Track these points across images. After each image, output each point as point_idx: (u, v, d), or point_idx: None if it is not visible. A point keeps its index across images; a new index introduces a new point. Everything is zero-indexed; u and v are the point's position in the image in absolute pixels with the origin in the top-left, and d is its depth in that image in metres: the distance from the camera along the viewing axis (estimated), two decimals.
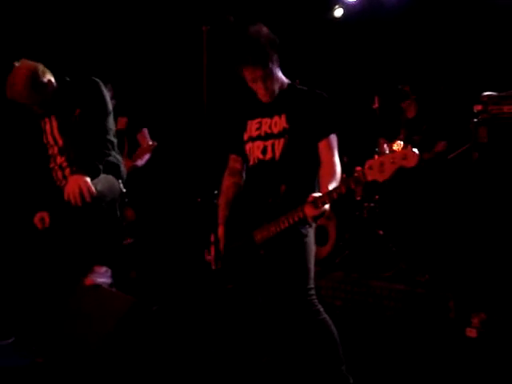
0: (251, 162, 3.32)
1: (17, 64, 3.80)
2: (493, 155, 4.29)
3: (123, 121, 5.61)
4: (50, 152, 3.97)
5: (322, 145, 3.16)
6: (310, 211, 2.87)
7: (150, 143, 5.48)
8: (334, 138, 3.18)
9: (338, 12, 6.93)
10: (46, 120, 3.96)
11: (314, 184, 3.23)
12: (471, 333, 4.12)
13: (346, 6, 6.87)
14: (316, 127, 3.16)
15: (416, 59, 6.52)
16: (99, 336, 3.44)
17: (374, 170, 2.74)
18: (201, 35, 3.05)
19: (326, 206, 2.89)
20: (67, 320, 3.71)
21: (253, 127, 3.30)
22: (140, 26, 6.39)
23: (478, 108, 4.39)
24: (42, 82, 3.80)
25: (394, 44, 6.67)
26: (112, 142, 3.89)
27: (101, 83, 3.92)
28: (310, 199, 2.86)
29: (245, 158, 3.39)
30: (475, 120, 4.37)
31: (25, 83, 3.72)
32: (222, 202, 3.39)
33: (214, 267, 3.34)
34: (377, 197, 5.65)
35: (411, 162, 2.66)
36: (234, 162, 3.45)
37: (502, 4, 5.81)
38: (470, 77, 6.00)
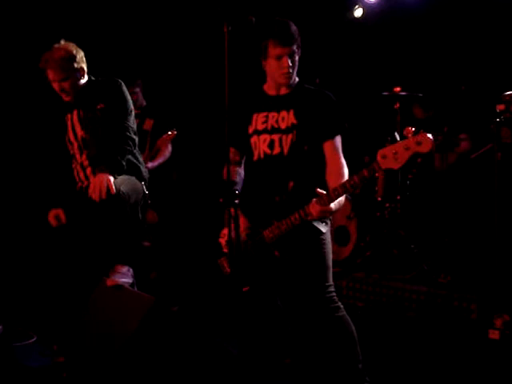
0: (256, 157, 3.30)
1: (57, 45, 3.90)
2: None
3: (150, 122, 5.64)
4: (71, 151, 4.00)
5: (326, 146, 3.18)
6: (315, 208, 2.88)
7: (170, 133, 5.47)
8: (338, 140, 3.20)
9: (358, 12, 6.91)
10: (69, 116, 4.00)
11: (322, 181, 3.21)
12: (494, 335, 4.08)
13: (366, 6, 6.85)
14: (322, 127, 3.17)
15: (437, 59, 6.49)
16: (121, 336, 3.45)
17: (389, 159, 2.72)
18: (222, 36, 3.04)
19: (332, 205, 2.89)
20: (89, 319, 3.73)
21: (259, 120, 3.29)
22: (162, 29, 6.42)
23: (500, 108, 4.35)
24: (74, 67, 3.88)
25: (415, 43, 6.63)
26: (133, 140, 3.92)
27: (123, 83, 3.95)
28: (319, 194, 2.87)
29: (245, 151, 3.38)
30: (498, 120, 4.33)
31: (60, 60, 3.82)
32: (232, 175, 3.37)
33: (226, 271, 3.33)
34: (398, 197, 5.62)
35: (426, 148, 2.64)
36: (232, 154, 3.41)
37: None
38: (491, 76, 5.95)
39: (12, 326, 4.30)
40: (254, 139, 3.29)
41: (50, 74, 3.87)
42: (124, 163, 3.80)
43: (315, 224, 3.12)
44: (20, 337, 4.21)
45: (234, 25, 3.04)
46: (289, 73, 3.18)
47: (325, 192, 2.88)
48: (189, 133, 6.42)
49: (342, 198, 2.96)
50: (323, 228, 3.18)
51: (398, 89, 5.74)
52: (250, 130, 3.31)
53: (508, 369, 3.69)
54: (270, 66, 3.20)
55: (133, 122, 3.96)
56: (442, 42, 6.43)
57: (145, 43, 6.38)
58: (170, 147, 5.66)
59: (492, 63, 6.04)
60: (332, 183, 3.04)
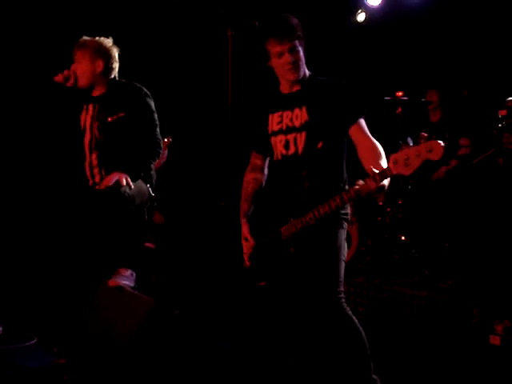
0: (275, 158, 3.31)
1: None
2: None
3: None
4: (81, 144, 4.01)
5: (353, 131, 3.12)
6: (370, 184, 2.79)
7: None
8: (363, 122, 3.13)
9: (361, 17, 6.92)
10: (84, 106, 4.02)
11: (340, 177, 3.21)
12: (495, 340, 4.08)
13: (369, 11, 6.86)
14: (342, 115, 3.12)
15: (439, 64, 6.49)
16: (121, 338, 3.45)
17: (399, 164, 2.71)
18: (226, 40, 3.05)
19: (385, 182, 2.81)
20: (89, 321, 3.72)
21: (274, 121, 3.28)
22: (166, 33, 6.43)
23: (502, 113, 4.36)
24: (103, 58, 3.94)
25: (417, 48, 6.64)
26: (159, 154, 3.95)
27: (147, 93, 3.97)
28: (370, 173, 2.80)
29: (267, 153, 3.39)
30: (500, 125, 4.34)
31: (94, 45, 3.92)
32: (242, 197, 3.41)
33: (245, 265, 3.34)
34: (400, 202, 5.62)
35: (437, 155, 2.62)
36: (254, 158, 3.46)
37: None
38: (494, 82, 5.95)
39: (12, 327, 4.30)
40: (272, 140, 3.29)
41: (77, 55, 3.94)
42: (142, 175, 3.84)
43: (332, 228, 3.11)
44: (20, 338, 4.21)
45: (237, 29, 3.06)
46: (293, 68, 3.15)
47: (377, 171, 2.80)
48: (193, 136, 6.44)
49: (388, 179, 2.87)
50: (339, 232, 3.16)
51: (400, 93, 5.74)
52: (269, 131, 3.31)
53: (508, 374, 3.68)
54: (275, 65, 3.19)
55: (159, 134, 3.97)
56: (444, 47, 6.44)
57: (148, 47, 6.39)
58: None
59: (495, 68, 6.05)
60: (369, 163, 2.91)
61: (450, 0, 6.37)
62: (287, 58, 3.13)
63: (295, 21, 3.18)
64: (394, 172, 2.73)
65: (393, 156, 2.73)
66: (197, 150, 6.56)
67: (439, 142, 2.61)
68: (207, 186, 6.56)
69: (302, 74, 3.21)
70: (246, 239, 3.30)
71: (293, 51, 3.13)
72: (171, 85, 6.61)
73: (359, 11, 6.91)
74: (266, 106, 3.36)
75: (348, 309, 3.12)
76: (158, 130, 3.96)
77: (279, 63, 3.17)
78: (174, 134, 5.60)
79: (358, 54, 7.02)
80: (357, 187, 2.84)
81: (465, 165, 5.56)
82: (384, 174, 2.78)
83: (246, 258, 3.32)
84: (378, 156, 2.99)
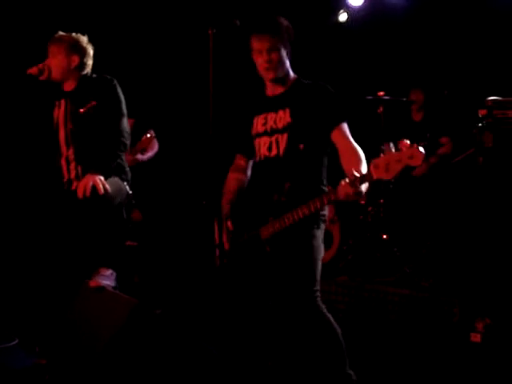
0: (258, 159, 3.33)
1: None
2: (498, 160, 4.28)
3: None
4: (56, 141, 3.99)
5: (335, 134, 3.14)
6: (344, 189, 2.80)
7: (149, 135, 5.49)
8: (345, 126, 3.15)
9: (343, 17, 6.94)
10: (56, 103, 4.01)
11: (320, 180, 3.23)
12: (475, 338, 4.11)
13: (350, 11, 6.88)
14: (325, 118, 3.14)
15: (419, 64, 6.53)
16: (102, 338, 3.43)
17: (380, 169, 2.72)
18: (207, 38, 3.05)
19: (363, 187, 2.83)
20: (71, 321, 3.71)
21: (259, 123, 3.30)
22: (146, 29, 6.41)
23: (482, 113, 4.38)
24: (79, 53, 3.96)
25: (398, 49, 6.68)
26: (125, 145, 3.92)
27: (117, 83, 3.97)
28: (350, 177, 2.80)
29: (251, 155, 3.41)
30: (480, 125, 4.37)
31: (70, 40, 3.93)
32: (224, 196, 3.42)
33: (218, 263, 3.34)
34: (381, 201, 5.65)
35: (417, 161, 2.64)
36: (238, 159, 3.49)
37: (506, 8, 5.82)
38: (474, 81, 6.00)
39: None
40: (257, 142, 3.31)
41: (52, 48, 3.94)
42: (113, 167, 3.80)
43: (309, 228, 3.12)
44: (1, 339, 4.17)
45: (218, 28, 3.05)
46: (270, 67, 3.15)
47: (358, 175, 2.81)
48: (174, 134, 6.43)
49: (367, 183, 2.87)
50: (316, 233, 3.17)
51: (382, 93, 5.77)
52: (253, 133, 3.33)
53: (489, 372, 3.71)
54: (255, 61, 3.20)
55: (126, 125, 3.96)
56: (425, 47, 6.48)
57: (129, 46, 6.37)
58: (156, 145, 5.70)
59: (475, 68, 6.09)
60: (350, 168, 2.93)
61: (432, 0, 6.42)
62: (265, 56, 3.13)
63: (283, 22, 3.19)
64: (375, 177, 2.75)
65: (374, 161, 2.74)
66: (177, 147, 6.55)
67: (420, 149, 2.63)
68: (186, 182, 6.55)
69: (280, 74, 3.21)
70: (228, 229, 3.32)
71: (272, 50, 3.13)
72: (152, 83, 6.59)
73: (341, 11, 6.93)
74: (251, 108, 3.38)
75: (323, 307, 3.12)
76: (124, 120, 3.95)
77: (258, 60, 3.18)
78: (156, 132, 5.60)
79: (339, 54, 7.03)
80: (336, 191, 2.86)
81: (445, 163, 5.60)
82: (364, 178, 2.80)
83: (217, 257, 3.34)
84: (359, 160, 3.01)
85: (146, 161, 5.57)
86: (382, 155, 2.72)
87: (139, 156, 5.43)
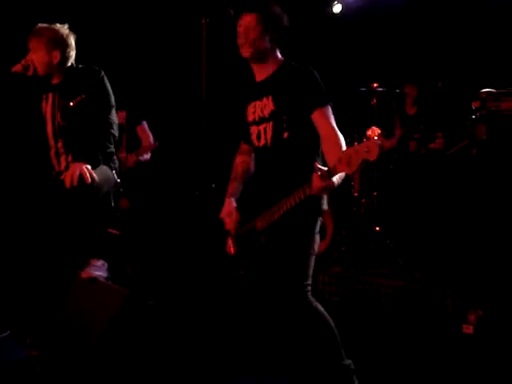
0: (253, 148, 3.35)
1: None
2: (491, 152, 4.28)
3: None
4: (45, 135, 3.97)
5: (315, 116, 3.03)
6: (316, 183, 2.76)
7: (152, 142, 5.51)
8: (327, 109, 3.05)
9: (337, 8, 6.92)
10: (44, 97, 3.98)
11: (309, 168, 3.18)
12: (468, 329, 4.12)
13: (344, 2, 6.86)
14: (305, 101, 3.04)
15: (414, 56, 6.52)
16: (95, 329, 3.42)
17: (342, 163, 2.68)
18: (200, 28, 3.03)
19: (334, 179, 2.77)
20: (62, 313, 3.70)
21: (249, 111, 3.27)
22: (139, 19, 6.38)
23: (476, 105, 4.39)
24: (60, 48, 3.88)
25: (392, 40, 6.67)
26: (114, 136, 3.90)
27: (104, 75, 3.93)
28: (316, 171, 2.76)
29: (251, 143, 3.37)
30: (473, 117, 4.37)
31: (49, 34, 3.84)
32: (231, 176, 3.43)
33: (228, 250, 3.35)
34: (375, 193, 5.65)
35: (373, 155, 2.55)
36: (243, 145, 3.48)
37: (499, 2, 5.81)
38: (468, 74, 6.00)
39: None
40: (250, 131, 3.29)
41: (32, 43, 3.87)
42: (101, 159, 3.78)
43: (304, 221, 3.09)
44: None
45: (212, 17, 3.04)
46: (244, 44, 3.11)
47: (325, 168, 2.77)
48: (165, 122, 6.40)
49: (342, 174, 2.82)
50: (311, 226, 3.13)
51: (376, 85, 5.76)
52: (247, 122, 3.30)
53: (481, 363, 3.72)
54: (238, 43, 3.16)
55: (115, 117, 3.94)
56: (419, 39, 6.47)
57: (121, 36, 6.33)
58: (150, 135, 5.69)
59: (469, 60, 6.09)
60: (330, 156, 2.91)
61: None
62: (241, 31, 3.10)
63: (271, 4, 3.14)
64: (339, 170, 2.70)
65: (338, 155, 2.72)
66: (171, 138, 6.52)
67: (377, 142, 2.59)
68: (181, 176, 6.53)
69: (258, 55, 3.14)
70: (229, 216, 3.31)
71: (250, 28, 3.08)
72: (145, 73, 6.56)
73: (335, 2, 6.90)
74: (243, 96, 3.35)
75: (313, 300, 3.08)
76: (113, 111, 3.92)
77: (238, 40, 3.14)
78: (148, 122, 5.59)
79: (334, 45, 7.01)
80: (310, 184, 2.82)
81: (438, 155, 5.60)
82: (329, 172, 2.75)
83: (229, 239, 3.33)
84: (337, 146, 2.92)
85: (148, 160, 5.58)
86: (346, 148, 2.70)
87: (141, 157, 5.45)
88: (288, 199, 2.95)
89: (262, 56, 3.16)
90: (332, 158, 2.84)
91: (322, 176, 2.75)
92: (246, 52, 3.13)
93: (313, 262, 3.11)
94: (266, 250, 3.14)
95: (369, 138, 2.65)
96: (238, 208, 3.33)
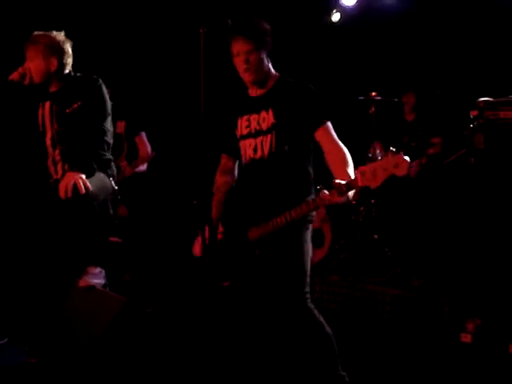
0: (244, 161, 3.32)
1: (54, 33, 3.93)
2: (489, 161, 4.29)
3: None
4: (42, 142, 3.97)
5: (319, 134, 3.12)
6: (335, 199, 2.81)
7: (150, 153, 5.52)
8: (329, 126, 3.14)
9: (336, 17, 6.94)
10: (40, 105, 3.97)
11: (307, 181, 3.22)
12: (466, 338, 4.12)
13: (343, 11, 6.88)
14: (308, 118, 3.12)
15: (412, 64, 6.54)
16: (93, 337, 3.43)
17: (366, 177, 2.72)
18: (198, 37, 3.04)
19: (350, 193, 2.83)
20: (61, 321, 3.70)
21: (243, 124, 3.29)
22: (137, 28, 6.40)
23: (474, 113, 4.39)
24: (57, 55, 3.87)
25: (391, 49, 6.69)
26: (109, 144, 3.90)
27: (102, 83, 3.93)
28: (335, 186, 2.80)
29: (237, 155, 3.39)
30: (471, 125, 4.38)
31: (46, 42, 3.83)
32: (214, 200, 3.42)
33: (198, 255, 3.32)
34: (373, 201, 5.66)
35: (402, 171, 2.63)
36: (225, 160, 3.47)
37: (499, 9, 5.83)
38: (466, 82, 6.01)
39: None
40: (241, 144, 3.30)
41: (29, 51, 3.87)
42: (95, 167, 3.77)
43: (297, 230, 3.11)
44: None
45: (209, 27, 3.05)
46: (247, 70, 3.15)
47: (344, 182, 2.81)
48: (162, 131, 6.42)
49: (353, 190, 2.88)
50: (304, 234, 3.16)
51: (374, 93, 5.78)
52: (238, 135, 3.32)
53: (479, 372, 3.72)
54: (234, 64, 3.21)
55: (110, 125, 3.94)
56: (417, 47, 6.49)
57: (120, 45, 6.35)
58: (148, 145, 5.70)
59: (467, 69, 6.11)
60: (337, 171, 2.97)
61: (424, 1, 6.43)
62: (242, 58, 3.14)
63: (262, 25, 3.19)
64: (361, 184, 2.75)
65: (361, 168, 2.74)
66: (169, 148, 6.54)
67: (405, 157, 2.62)
68: (179, 184, 6.55)
69: (260, 76, 3.20)
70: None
71: (249, 53, 3.13)
72: (143, 82, 6.58)
73: (334, 11, 6.92)
74: (235, 109, 3.37)
75: (313, 308, 3.12)
76: (108, 119, 3.91)
77: (236, 63, 3.19)
78: (147, 132, 5.61)
79: (332, 54, 7.03)
80: (322, 197, 2.87)
81: (436, 164, 5.61)
82: (350, 185, 2.79)
83: (198, 240, 3.31)
84: (344, 161, 3.01)
85: (144, 172, 5.63)
86: (368, 162, 2.72)
87: (137, 169, 5.50)
88: (290, 213, 2.99)
89: (264, 76, 3.22)
90: (341, 173, 2.90)
91: (339, 191, 2.79)
92: (251, 77, 3.19)
93: (309, 269, 3.15)
94: (262, 262, 3.15)
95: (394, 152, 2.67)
96: (226, 218, 3.34)
